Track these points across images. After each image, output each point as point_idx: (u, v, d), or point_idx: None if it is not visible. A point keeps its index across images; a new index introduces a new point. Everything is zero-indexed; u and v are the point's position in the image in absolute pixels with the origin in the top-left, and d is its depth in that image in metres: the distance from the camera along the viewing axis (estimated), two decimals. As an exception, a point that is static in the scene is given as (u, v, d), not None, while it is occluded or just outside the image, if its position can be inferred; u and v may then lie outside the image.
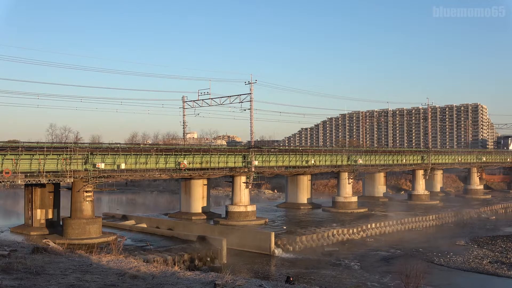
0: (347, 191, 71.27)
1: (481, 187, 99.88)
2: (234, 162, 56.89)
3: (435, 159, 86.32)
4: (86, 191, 44.30)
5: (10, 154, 39.68)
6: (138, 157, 48.12)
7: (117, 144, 49.32)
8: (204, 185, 62.88)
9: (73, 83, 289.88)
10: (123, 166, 46.53)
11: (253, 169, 57.52)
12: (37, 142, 42.90)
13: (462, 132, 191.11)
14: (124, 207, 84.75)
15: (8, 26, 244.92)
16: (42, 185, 46.90)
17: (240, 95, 58.33)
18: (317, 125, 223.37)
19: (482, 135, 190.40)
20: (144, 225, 54.41)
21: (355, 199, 71.92)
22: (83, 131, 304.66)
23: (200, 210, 62.24)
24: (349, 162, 70.26)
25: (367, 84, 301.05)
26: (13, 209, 75.35)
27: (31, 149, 40.88)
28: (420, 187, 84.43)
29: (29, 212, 48.87)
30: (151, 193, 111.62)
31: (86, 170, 44.32)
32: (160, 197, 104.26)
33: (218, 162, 54.92)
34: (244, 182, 58.59)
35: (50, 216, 48.98)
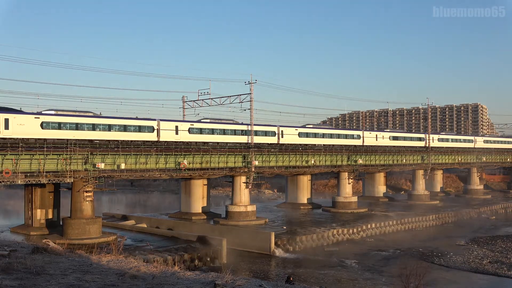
0: (347, 191, 71.28)
1: (481, 187, 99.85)
2: (234, 162, 56.89)
3: (435, 159, 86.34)
4: (86, 191, 44.32)
5: (10, 154, 39.70)
6: (138, 157, 48.14)
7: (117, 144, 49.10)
8: (204, 185, 62.91)
9: (73, 83, 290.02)
10: (123, 166, 46.55)
11: (253, 169, 57.54)
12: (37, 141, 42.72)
13: (462, 132, 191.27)
14: (124, 207, 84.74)
15: (8, 26, 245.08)
16: (42, 185, 46.93)
17: (240, 95, 58.30)
18: (317, 125, 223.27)
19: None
20: (144, 225, 54.44)
21: (355, 199, 71.95)
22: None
23: (200, 210, 62.26)
24: (349, 162, 70.28)
25: (367, 84, 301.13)
26: (13, 209, 75.31)
27: (31, 149, 40.89)
28: (420, 187, 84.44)
29: (29, 212, 48.90)
30: (151, 193, 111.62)
31: (86, 170, 44.34)
32: (160, 197, 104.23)
33: (218, 162, 54.93)
34: (244, 182, 58.60)
35: (50, 216, 49.01)
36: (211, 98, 60.83)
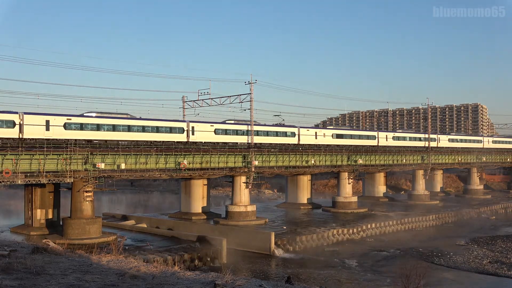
0: (347, 191, 71.29)
1: (481, 187, 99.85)
2: (234, 162, 56.90)
3: (435, 159, 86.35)
4: (86, 191, 44.33)
5: (10, 154, 39.70)
6: (138, 157, 48.15)
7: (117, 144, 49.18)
8: (204, 185, 62.92)
9: (73, 83, 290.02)
10: (123, 166, 46.57)
11: (253, 169, 57.54)
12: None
13: (462, 132, 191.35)
14: (124, 207, 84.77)
15: (9, 26, 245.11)
16: (42, 185, 46.93)
17: (240, 95, 58.30)
18: (317, 125, 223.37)
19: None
20: (144, 225, 54.46)
21: (355, 199, 71.95)
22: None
23: (200, 210, 62.27)
24: (349, 162, 70.27)
25: (367, 84, 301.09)
26: (13, 209, 75.34)
27: (31, 149, 40.90)
28: (420, 187, 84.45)
29: (29, 212, 48.90)
30: (151, 193, 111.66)
31: (86, 170, 44.36)
32: (160, 197, 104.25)
33: (218, 162, 54.94)
34: (244, 182, 58.61)
35: (50, 216, 49.01)
36: (211, 98, 60.86)
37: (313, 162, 64.93)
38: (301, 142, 63.49)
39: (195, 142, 52.77)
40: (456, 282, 37.27)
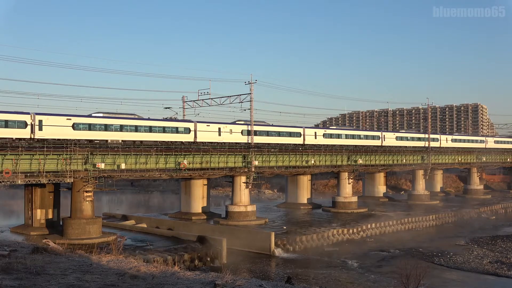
0: (347, 191, 71.29)
1: (481, 187, 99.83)
2: (234, 162, 56.90)
3: (435, 159, 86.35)
4: (86, 191, 44.32)
5: (10, 154, 39.70)
6: (138, 157, 48.13)
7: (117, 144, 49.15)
8: (204, 185, 62.93)
9: (73, 83, 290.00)
10: (123, 166, 46.56)
11: (253, 169, 57.53)
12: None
13: (462, 132, 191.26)
14: (124, 207, 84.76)
15: (9, 26, 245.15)
16: (42, 185, 46.93)
17: (240, 95, 58.30)
18: (317, 125, 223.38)
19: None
20: (144, 225, 54.45)
21: (355, 199, 71.94)
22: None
23: (200, 210, 62.28)
24: (349, 162, 70.26)
25: (367, 84, 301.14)
26: (13, 209, 75.34)
27: (31, 149, 40.88)
28: (420, 187, 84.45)
29: (29, 212, 48.91)
30: (152, 193, 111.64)
31: (86, 170, 44.35)
32: (160, 197, 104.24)
33: (218, 162, 54.93)
34: (244, 182, 58.61)
35: (50, 216, 49.01)
36: (211, 98, 60.84)
37: (313, 162, 64.93)
38: (198, 140, 53.55)
39: (44, 140, 42.35)
40: (456, 282, 37.25)
